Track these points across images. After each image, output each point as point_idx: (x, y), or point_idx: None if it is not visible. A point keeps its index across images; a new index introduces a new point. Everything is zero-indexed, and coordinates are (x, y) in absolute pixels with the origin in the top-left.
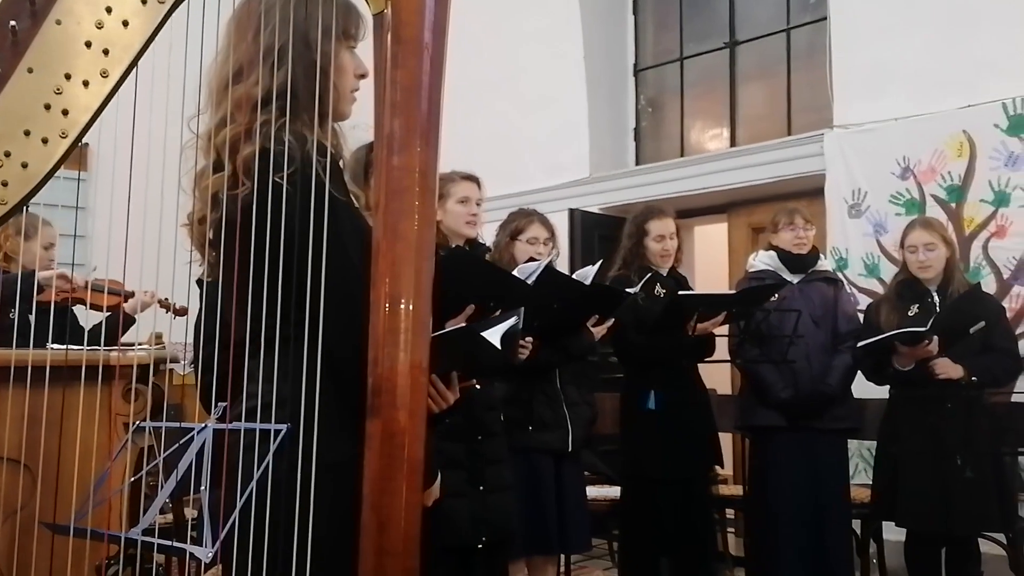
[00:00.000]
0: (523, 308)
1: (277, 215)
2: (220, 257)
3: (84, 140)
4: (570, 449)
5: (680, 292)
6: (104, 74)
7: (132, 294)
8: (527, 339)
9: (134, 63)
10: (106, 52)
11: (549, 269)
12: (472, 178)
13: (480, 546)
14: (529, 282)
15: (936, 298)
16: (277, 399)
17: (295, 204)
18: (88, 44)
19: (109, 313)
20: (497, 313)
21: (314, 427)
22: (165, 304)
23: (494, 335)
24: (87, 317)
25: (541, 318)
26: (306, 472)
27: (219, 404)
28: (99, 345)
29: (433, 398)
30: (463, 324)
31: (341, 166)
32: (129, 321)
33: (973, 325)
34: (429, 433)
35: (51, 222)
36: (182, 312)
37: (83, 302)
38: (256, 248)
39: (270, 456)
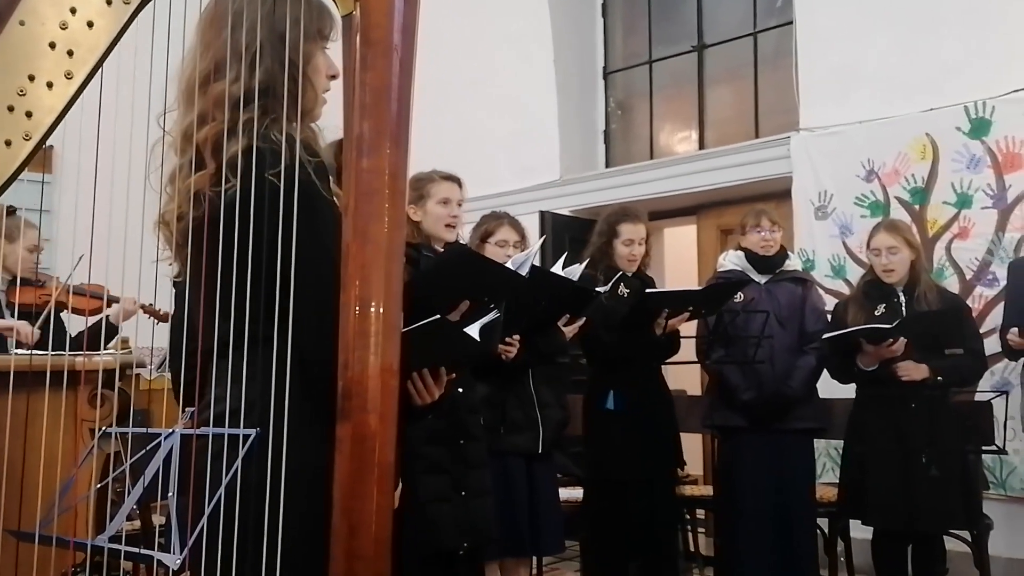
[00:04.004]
0: (504, 302)
1: (265, 214)
2: (200, 256)
3: (49, 142)
4: (540, 450)
5: (647, 291)
6: (69, 75)
7: (116, 299)
8: (514, 337)
9: (99, 64)
10: (71, 53)
11: (535, 265)
12: (453, 178)
13: (462, 552)
14: (523, 272)
15: (902, 298)
16: (247, 403)
17: (284, 203)
18: (52, 45)
19: (95, 318)
20: (491, 308)
21: (283, 431)
22: (149, 310)
23: (472, 328)
24: (71, 322)
25: (527, 316)
26: (276, 477)
27: (187, 409)
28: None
29: (419, 391)
30: (437, 317)
31: (327, 166)
32: (113, 330)
33: (949, 344)
34: (406, 434)
35: (35, 224)
36: (166, 318)
37: (65, 307)
38: (243, 247)
39: (239, 461)
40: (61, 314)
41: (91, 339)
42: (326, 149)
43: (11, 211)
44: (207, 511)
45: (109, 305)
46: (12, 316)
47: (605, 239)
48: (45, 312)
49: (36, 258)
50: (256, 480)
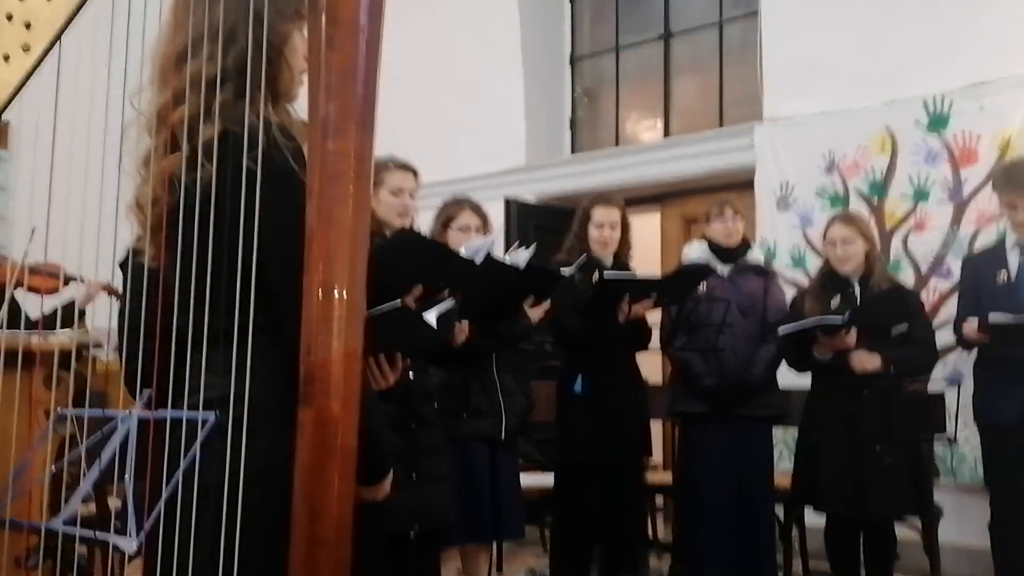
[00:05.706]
0: (459, 292)
1: (242, 199)
2: (175, 241)
3: (5, 117)
4: (503, 437)
5: (605, 273)
6: (26, 48)
7: (73, 278)
8: (462, 322)
9: (57, 38)
10: (28, 26)
11: (489, 255)
12: (408, 168)
13: (413, 536)
14: (477, 260)
15: (857, 289)
16: (235, 391)
17: (261, 187)
18: (9, 17)
19: (51, 298)
20: (444, 293)
21: (267, 421)
22: (114, 291)
23: (430, 315)
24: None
25: (479, 304)
26: (261, 468)
27: (144, 391)
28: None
29: (375, 376)
30: (397, 302)
31: (304, 150)
32: (79, 313)
33: (894, 324)
34: (379, 421)
35: None
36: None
37: (20, 285)
38: (218, 233)
39: (196, 446)
40: (16, 293)
41: (53, 322)
42: None
43: None
44: (164, 495)
45: (66, 283)
46: None
47: (580, 224)
48: (9, 294)
49: None
50: (245, 467)
